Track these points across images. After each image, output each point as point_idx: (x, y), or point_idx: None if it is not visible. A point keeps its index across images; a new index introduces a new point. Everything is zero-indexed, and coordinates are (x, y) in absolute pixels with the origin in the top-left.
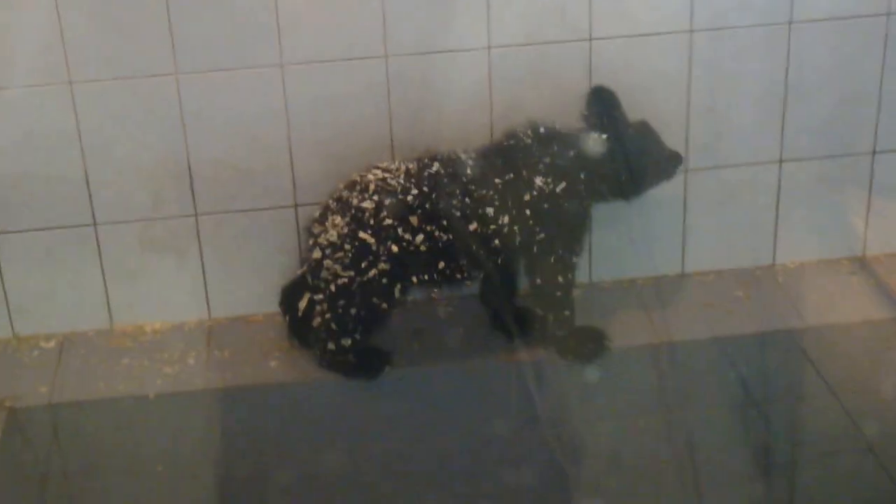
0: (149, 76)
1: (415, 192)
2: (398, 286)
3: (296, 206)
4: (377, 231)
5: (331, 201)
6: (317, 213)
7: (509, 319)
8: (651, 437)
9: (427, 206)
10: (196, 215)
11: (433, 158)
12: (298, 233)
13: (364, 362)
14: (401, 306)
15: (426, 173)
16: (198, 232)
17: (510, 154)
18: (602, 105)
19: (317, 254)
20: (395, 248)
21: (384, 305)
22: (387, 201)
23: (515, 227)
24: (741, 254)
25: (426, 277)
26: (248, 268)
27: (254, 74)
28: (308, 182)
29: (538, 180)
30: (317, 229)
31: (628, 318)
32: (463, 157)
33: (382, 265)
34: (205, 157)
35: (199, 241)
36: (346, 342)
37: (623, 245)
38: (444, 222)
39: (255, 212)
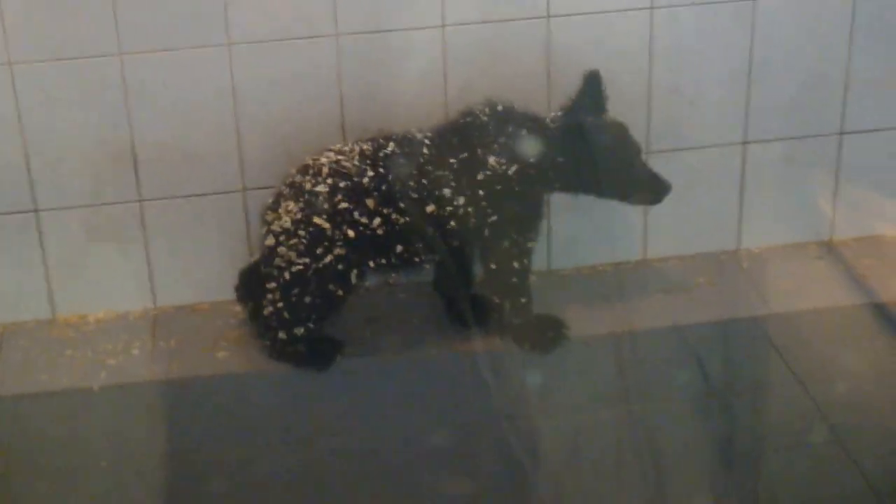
0: (91, 57)
1: (370, 173)
2: (354, 272)
3: (244, 190)
4: (332, 215)
5: (283, 187)
6: (269, 200)
7: (465, 307)
8: (611, 430)
9: (383, 187)
10: (141, 201)
11: (388, 139)
12: (247, 218)
13: (315, 352)
14: (356, 293)
15: (381, 154)
16: (142, 218)
17: (466, 132)
18: (591, 93)
19: (270, 240)
20: (351, 233)
21: (340, 292)
22: (341, 184)
23: (469, 209)
24: (705, 239)
25: (384, 262)
26: (194, 255)
27: (200, 54)
28: (257, 165)
29: (491, 160)
30: (270, 216)
31: (588, 306)
32: (419, 136)
33: (338, 250)
34: (150, 141)
35: (143, 227)
36: (299, 331)
37: (582, 231)
38: (402, 204)
39: (202, 197)
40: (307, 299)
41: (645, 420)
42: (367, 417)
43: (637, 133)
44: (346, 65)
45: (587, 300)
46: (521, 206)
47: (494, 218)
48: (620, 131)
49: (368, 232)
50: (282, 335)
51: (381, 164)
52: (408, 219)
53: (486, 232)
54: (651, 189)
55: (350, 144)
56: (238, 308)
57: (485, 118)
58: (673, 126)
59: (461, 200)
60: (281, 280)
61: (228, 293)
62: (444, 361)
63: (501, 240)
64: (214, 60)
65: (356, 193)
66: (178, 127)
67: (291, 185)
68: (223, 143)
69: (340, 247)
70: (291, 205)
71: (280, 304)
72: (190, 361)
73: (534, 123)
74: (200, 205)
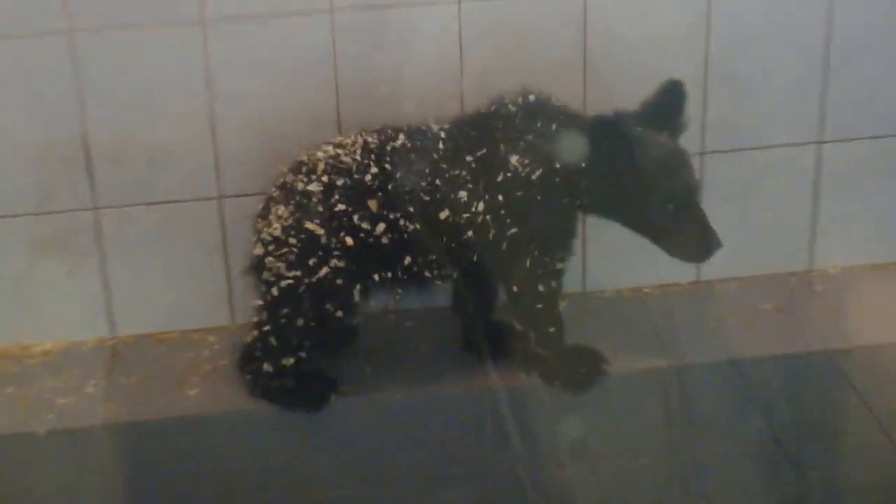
0: (36, 34)
1: (374, 170)
2: (356, 288)
3: (220, 197)
4: (327, 220)
5: (274, 189)
6: (260, 206)
7: (484, 335)
8: (657, 484)
9: (389, 187)
10: (96, 209)
11: (398, 130)
12: (224, 231)
13: (305, 390)
14: (359, 314)
15: (388, 148)
16: (98, 229)
17: (488, 124)
18: (666, 107)
19: (258, 249)
20: (349, 240)
21: (339, 313)
22: (338, 182)
23: (488, 217)
24: (771, 257)
25: (389, 276)
26: (160, 274)
27: (168, 33)
28: (235, 168)
29: (513, 159)
30: (260, 225)
31: (630, 336)
32: (435, 128)
33: (336, 262)
34: (107, 138)
35: (99, 240)
36: (288, 362)
37: (624, 246)
38: (410, 208)
39: (170, 205)
40: (299, 322)
41: (698, 473)
42: (366, 469)
43: (689, 130)
44: (342, 47)
45: (629, 329)
46: (545, 218)
47: (515, 230)
48: (678, 159)
49: (371, 240)
50: (267, 367)
51: (387, 159)
52: (417, 225)
53: (506, 246)
54: (697, 240)
55: (353, 136)
56: (212, 338)
57: (513, 109)
58: (732, 121)
59: (479, 206)
60: (268, 297)
61: (200, 319)
62: (458, 402)
63: (523, 257)
64: (185, 41)
65: (356, 193)
66: (141, 121)
67: (283, 187)
68: (195, 139)
69: (338, 258)
70: (282, 209)
71: (266, 328)
72: (155, 401)
73: (570, 122)
74: (167, 214)
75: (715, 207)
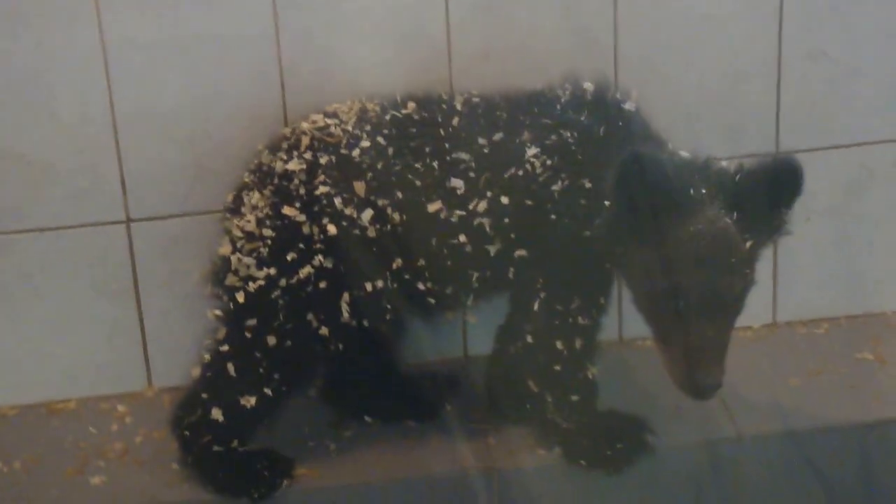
0: None
1: (365, 143)
2: (345, 298)
3: (128, 221)
4: (307, 204)
5: (247, 174)
6: (229, 199)
7: (489, 391)
8: None
9: (379, 166)
10: None
11: (410, 98)
12: (134, 266)
13: (252, 470)
14: (348, 342)
15: (388, 117)
16: None
17: (522, 105)
18: (773, 189)
19: (225, 248)
20: (331, 229)
21: (323, 330)
22: (322, 159)
23: (487, 223)
24: (867, 292)
25: (378, 285)
26: (50, 323)
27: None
28: (149, 183)
29: (531, 153)
30: (229, 223)
31: (682, 396)
32: (458, 100)
33: (320, 259)
34: None
35: None
36: (248, 402)
37: None
38: (399, 194)
39: (60, 232)
40: (269, 340)
41: None
42: None
43: (755, 125)
44: (287, 19)
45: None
46: (563, 251)
47: (523, 254)
48: (723, 252)
49: (356, 231)
50: (216, 415)
51: (384, 132)
52: (405, 217)
53: (512, 273)
54: (690, 368)
55: (351, 102)
56: (122, 408)
57: (559, 94)
58: (809, 114)
59: (479, 205)
60: (230, 307)
61: (106, 383)
62: (453, 487)
63: (533, 297)
64: (79, 14)
65: (342, 172)
66: (20, 123)
67: (258, 169)
68: (95, 148)
69: (323, 254)
70: (256, 196)
71: (224, 348)
72: (47, 492)
73: (626, 131)
74: (59, 243)
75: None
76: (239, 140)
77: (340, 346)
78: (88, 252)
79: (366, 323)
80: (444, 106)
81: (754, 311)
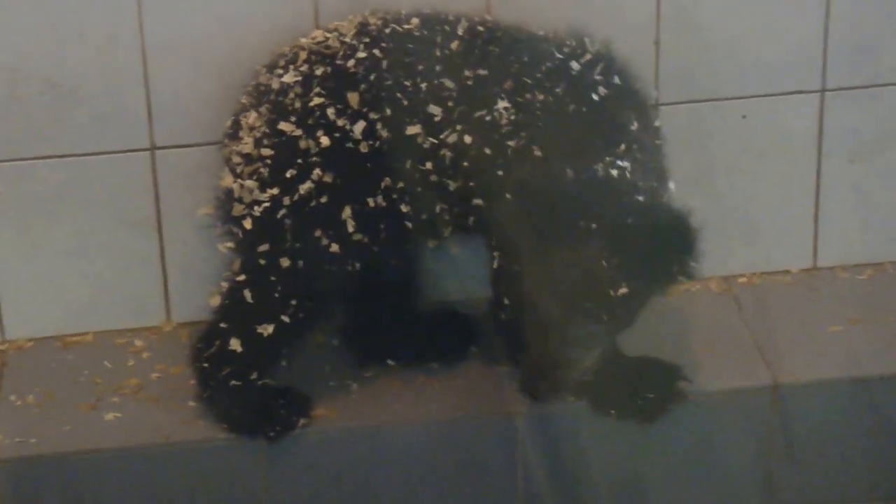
0: None
1: (361, 54)
2: (348, 212)
3: (153, 148)
4: (303, 117)
5: (244, 96)
6: (227, 123)
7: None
8: None
9: (372, 77)
10: None
11: (415, 15)
12: (157, 196)
13: (268, 408)
14: (355, 257)
15: (388, 30)
16: None
17: (519, 49)
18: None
19: (227, 179)
20: (325, 140)
21: (333, 247)
22: (318, 71)
23: (449, 155)
24: None
25: (379, 201)
26: (67, 255)
27: None
28: (173, 109)
29: (502, 105)
30: (228, 150)
31: (719, 342)
32: (463, 25)
33: (319, 172)
34: None
35: None
36: (266, 330)
37: (709, 218)
38: (388, 110)
39: (82, 159)
40: (282, 262)
41: None
42: None
43: (801, 62)
44: None
45: (717, 333)
46: (508, 210)
47: (479, 203)
48: (585, 277)
49: (350, 144)
50: (234, 345)
51: (381, 44)
52: (390, 135)
53: (472, 221)
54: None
55: (353, 15)
56: (139, 342)
57: (557, 48)
58: (857, 51)
59: (449, 137)
60: (240, 236)
61: (123, 317)
62: (472, 432)
63: (491, 251)
64: None
65: (336, 82)
66: (37, 42)
67: (255, 89)
68: (122, 72)
69: (321, 167)
70: (253, 116)
71: (240, 278)
72: (59, 427)
73: (590, 114)
74: (80, 171)
75: (834, 166)
76: (262, 62)
77: (357, 266)
78: (110, 180)
79: (375, 240)
80: (447, 28)
81: (794, 255)
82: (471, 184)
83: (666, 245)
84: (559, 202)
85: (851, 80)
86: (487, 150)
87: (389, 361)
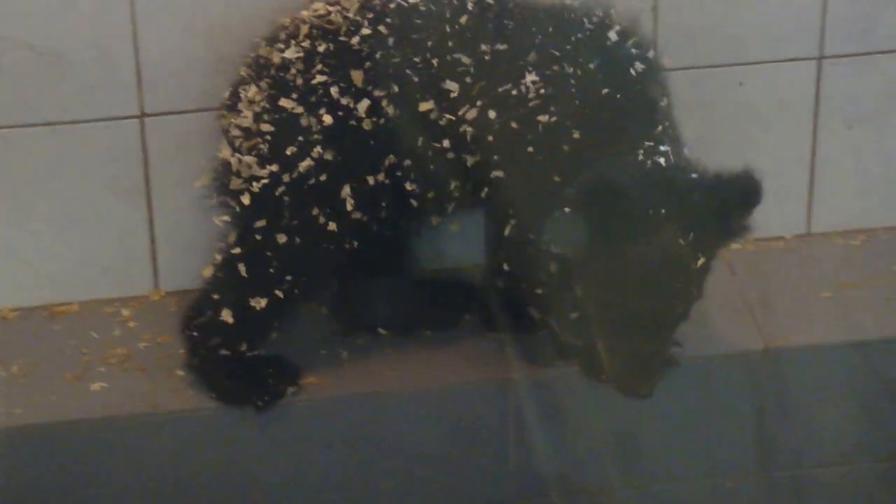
0: None
1: (365, 32)
2: (347, 191)
3: (142, 115)
4: (305, 94)
5: (243, 68)
6: (225, 94)
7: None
8: None
9: (377, 55)
10: None
11: None
12: (146, 164)
13: (257, 377)
14: (356, 234)
15: (394, 5)
16: None
17: (540, 20)
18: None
19: (224, 151)
20: (327, 119)
21: (331, 225)
22: (320, 48)
23: (471, 132)
24: None
25: (380, 178)
26: (54, 223)
27: None
28: (163, 75)
29: (530, 77)
30: (226, 121)
31: (711, 308)
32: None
33: (319, 150)
34: None
35: None
36: (259, 304)
37: None
38: (395, 87)
39: (70, 126)
40: (279, 238)
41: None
42: (329, 494)
43: (798, 29)
44: None
45: (709, 299)
46: (534, 186)
47: (499, 175)
48: (669, 263)
49: (352, 122)
50: (226, 317)
51: (387, 20)
52: (398, 112)
53: (486, 193)
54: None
55: None
56: (126, 312)
57: (583, 19)
58: (855, 18)
59: (468, 113)
60: (237, 211)
61: (110, 286)
62: (463, 399)
63: (505, 221)
64: None
65: (339, 59)
66: (34, 11)
67: (255, 62)
68: (111, 38)
69: (322, 146)
70: (253, 90)
71: (235, 251)
72: (45, 397)
73: (624, 89)
74: (68, 138)
75: (831, 132)
76: (261, 34)
77: (355, 244)
78: (99, 148)
79: (374, 218)
80: (455, 1)
81: (788, 221)
82: (495, 157)
83: (730, 206)
84: (627, 207)
85: (849, 48)
86: (514, 125)
87: (381, 330)
